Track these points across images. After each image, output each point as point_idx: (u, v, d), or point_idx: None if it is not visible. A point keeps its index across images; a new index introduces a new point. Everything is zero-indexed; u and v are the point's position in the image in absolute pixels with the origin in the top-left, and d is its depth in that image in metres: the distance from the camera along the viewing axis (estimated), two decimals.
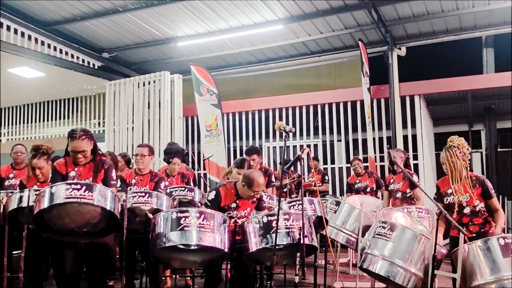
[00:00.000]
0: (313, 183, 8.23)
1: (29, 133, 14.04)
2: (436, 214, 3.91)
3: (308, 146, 10.86)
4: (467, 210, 4.17)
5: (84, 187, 3.73)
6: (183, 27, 10.27)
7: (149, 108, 11.01)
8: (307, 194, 8.39)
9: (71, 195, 3.68)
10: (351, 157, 10.87)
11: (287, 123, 10.85)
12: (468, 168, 4.26)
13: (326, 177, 8.96)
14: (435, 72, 10.61)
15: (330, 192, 9.14)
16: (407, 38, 10.46)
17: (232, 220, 4.12)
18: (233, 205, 4.42)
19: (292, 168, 8.50)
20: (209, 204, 4.38)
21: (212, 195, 4.44)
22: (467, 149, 4.26)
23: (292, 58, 11.69)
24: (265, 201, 4.83)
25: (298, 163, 4.61)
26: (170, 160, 6.17)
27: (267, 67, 11.98)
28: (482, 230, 4.13)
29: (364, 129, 10.13)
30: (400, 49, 10.44)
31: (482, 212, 4.17)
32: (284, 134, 4.13)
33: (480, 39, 11.24)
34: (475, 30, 10.04)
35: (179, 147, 7.18)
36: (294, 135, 10.80)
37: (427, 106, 10.97)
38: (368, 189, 7.76)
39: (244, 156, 6.61)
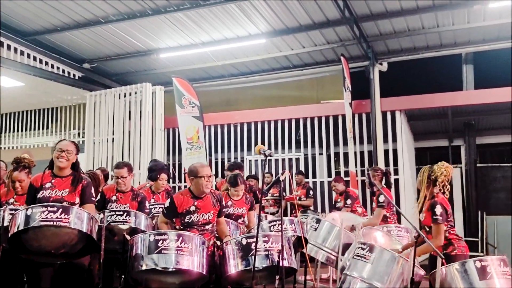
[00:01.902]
0: (296, 197, 8.17)
1: (8, 143, 13.81)
2: (414, 237, 3.92)
3: (290, 159, 10.87)
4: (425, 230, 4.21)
5: (60, 210, 3.67)
6: (166, 39, 10.23)
7: (129, 119, 10.93)
8: (291, 207, 8.36)
9: (46, 218, 3.61)
10: (333, 171, 10.94)
11: (269, 136, 10.86)
12: (445, 190, 4.23)
13: (311, 192, 8.95)
14: (416, 88, 10.74)
15: (312, 208, 9.12)
16: (388, 53, 10.57)
17: (211, 242, 4.08)
18: (192, 208, 4.30)
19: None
20: (165, 212, 4.35)
21: (167, 203, 4.40)
22: (447, 181, 4.21)
23: (274, 72, 11.74)
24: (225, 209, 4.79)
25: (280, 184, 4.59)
26: (158, 176, 6.07)
27: (250, 80, 12.01)
28: (444, 251, 4.12)
29: (345, 143, 10.16)
30: (381, 64, 10.55)
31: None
32: (263, 157, 4.11)
33: (460, 56, 11.44)
34: (455, 47, 10.22)
35: (163, 163, 7.08)
36: (276, 148, 10.81)
37: (408, 121, 11.06)
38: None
39: (226, 171, 6.54)
